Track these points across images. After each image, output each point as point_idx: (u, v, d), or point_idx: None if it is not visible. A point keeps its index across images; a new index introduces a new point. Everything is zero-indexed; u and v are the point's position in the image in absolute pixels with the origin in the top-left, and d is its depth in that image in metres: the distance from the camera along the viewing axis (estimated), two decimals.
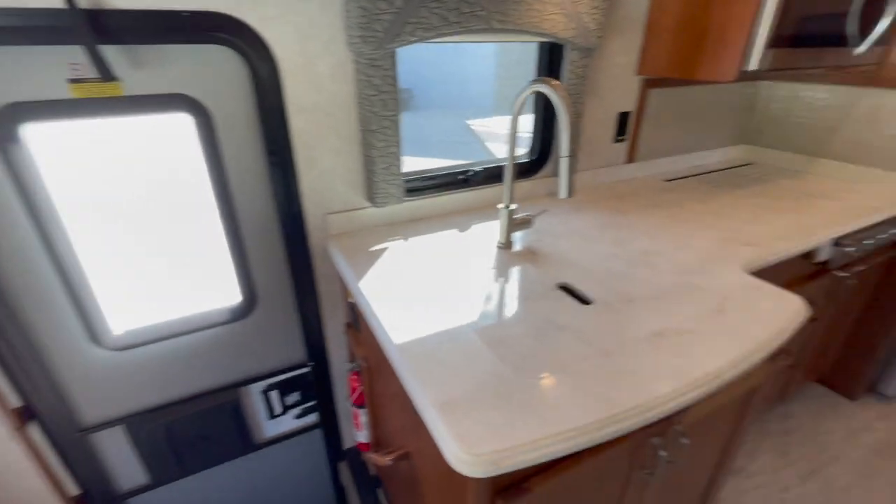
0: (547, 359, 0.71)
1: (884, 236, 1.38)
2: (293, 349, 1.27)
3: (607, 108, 1.48)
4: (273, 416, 1.33)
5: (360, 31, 0.92)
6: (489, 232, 1.17)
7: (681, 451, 0.83)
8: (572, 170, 0.86)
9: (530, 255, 1.05)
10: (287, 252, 1.12)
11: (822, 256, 1.22)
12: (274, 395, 1.30)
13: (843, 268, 1.32)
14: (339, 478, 1.54)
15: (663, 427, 0.75)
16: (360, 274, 0.96)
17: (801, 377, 1.64)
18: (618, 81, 1.45)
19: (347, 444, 1.49)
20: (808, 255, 1.22)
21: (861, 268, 1.38)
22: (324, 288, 1.20)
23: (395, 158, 1.08)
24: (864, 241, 1.30)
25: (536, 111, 1.41)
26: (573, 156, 0.85)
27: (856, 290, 1.49)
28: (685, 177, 1.67)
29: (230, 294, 1.12)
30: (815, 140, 1.70)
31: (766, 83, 1.82)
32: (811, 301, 1.34)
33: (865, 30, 1.32)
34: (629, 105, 1.52)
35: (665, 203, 1.39)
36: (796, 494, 1.41)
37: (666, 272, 0.97)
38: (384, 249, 1.07)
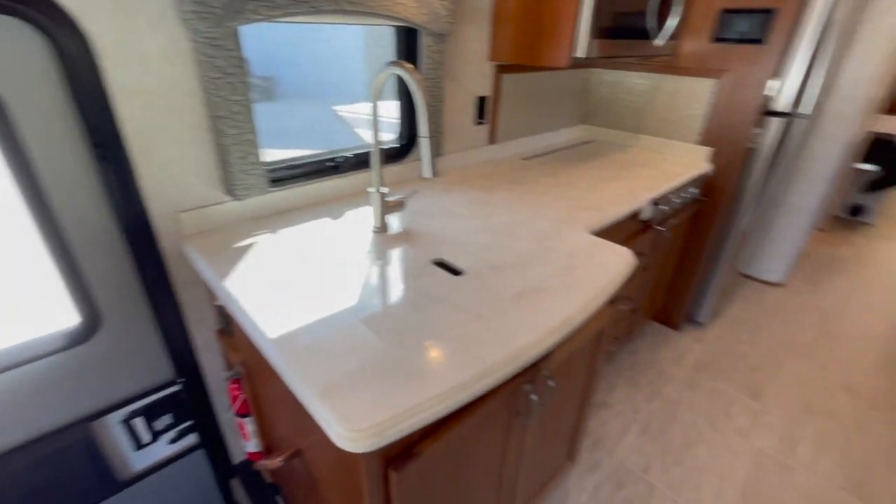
0: (424, 330, 0.75)
1: (686, 195, 1.71)
2: (157, 367, 1.14)
3: (467, 92, 1.56)
4: (141, 446, 1.18)
5: (194, 6, 0.83)
6: (364, 217, 1.17)
7: (549, 393, 0.95)
8: (435, 150, 0.91)
9: (405, 236, 1.08)
10: (134, 259, 0.99)
11: (646, 215, 1.48)
12: (139, 422, 1.15)
13: (660, 223, 1.61)
14: (232, 496, 1.43)
15: (532, 374, 0.85)
16: (225, 273, 0.89)
17: (640, 318, 1.97)
18: (473, 67, 1.54)
19: (238, 458, 1.39)
20: (635, 215, 1.46)
21: (674, 222, 1.70)
22: (185, 295, 1.08)
23: (252, 146, 1.01)
24: (673, 200, 1.61)
25: (401, 97, 1.43)
26: (434, 136, 0.89)
27: (672, 241, 1.83)
28: (540, 155, 1.86)
29: (66, 316, 0.95)
30: (636, 119, 2.02)
31: (596, 70, 2.10)
32: (641, 253, 1.61)
33: (661, 25, 1.60)
34: (486, 90, 1.63)
35: (523, 179, 1.53)
36: (645, 413, 1.71)
37: (526, 239, 1.08)
38: (251, 245, 1.00)
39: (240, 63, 0.93)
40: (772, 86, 1.65)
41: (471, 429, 0.78)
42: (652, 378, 1.88)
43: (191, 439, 1.27)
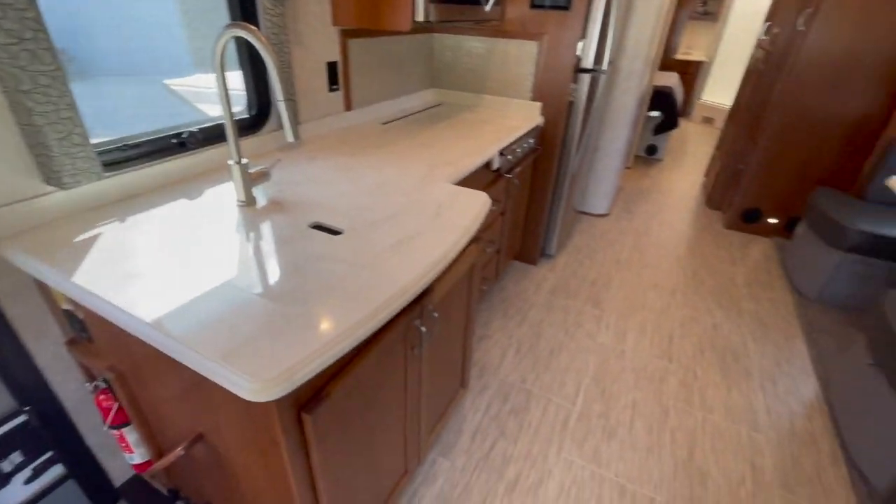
0: (315, 285, 0.79)
1: (526, 146, 1.97)
2: None
3: (316, 58, 1.54)
4: None
5: None
6: (226, 193, 1.12)
7: (435, 324, 1.07)
8: (294, 114, 0.91)
9: (277, 206, 1.07)
10: None
11: (496, 165, 1.68)
12: None
13: (509, 171, 1.84)
14: None
15: (418, 309, 0.96)
16: (73, 270, 0.79)
17: (504, 259, 2.25)
18: (318, 31, 1.52)
19: (121, 477, 1.26)
20: (488, 166, 1.65)
21: (519, 170, 1.96)
22: (15, 308, 0.93)
23: (74, 124, 0.88)
24: (516, 150, 1.84)
25: (243, 65, 1.35)
26: (291, 99, 0.90)
27: (520, 187, 2.10)
28: (397, 119, 1.94)
29: None
30: (478, 80, 2.21)
31: (437, 35, 2.21)
32: (497, 199, 1.83)
33: None
34: (335, 55, 1.62)
35: (385, 142, 1.60)
36: (517, 337, 1.99)
37: (395, 195, 1.17)
38: (98, 236, 0.90)
39: (38, 26, 0.80)
40: (580, 46, 1.97)
41: (373, 364, 0.86)
42: (519, 307, 2.19)
43: (55, 471, 1.11)
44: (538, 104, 2.10)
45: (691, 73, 5.93)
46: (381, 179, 1.27)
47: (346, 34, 1.63)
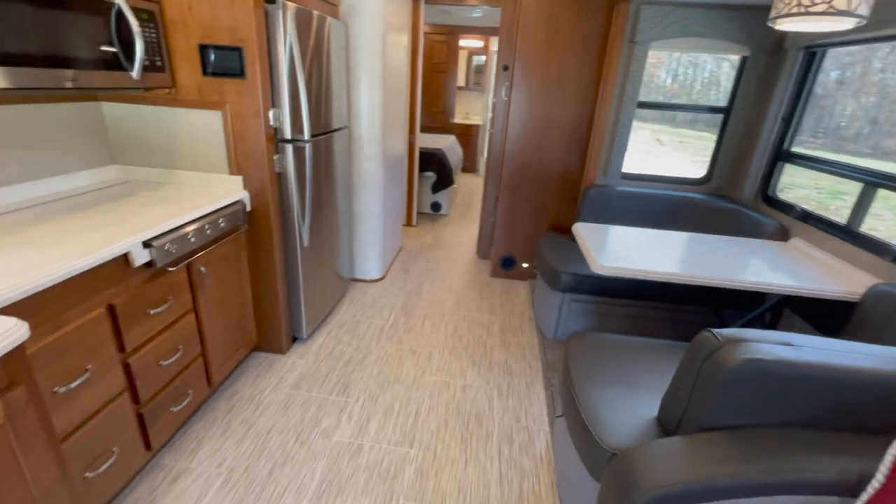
0: None
1: (221, 226, 1.67)
2: None
3: None
4: None
5: None
6: None
7: None
8: None
9: None
10: None
11: (143, 259, 1.33)
12: None
13: (184, 260, 1.51)
14: None
15: None
16: None
17: (227, 359, 1.86)
18: None
19: None
20: (128, 263, 1.30)
21: (215, 254, 1.65)
22: None
23: None
24: (190, 236, 1.52)
25: None
26: None
27: (219, 271, 1.78)
28: (21, 209, 1.47)
29: None
30: (167, 154, 1.88)
31: (108, 104, 1.83)
32: (164, 299, 1.47)
33: (130, 57, 1.49)
34: None
35: None
36: (231, 460, 1.59)
37: None
38: None
39: None
40: (272, 116, 1.81)
41: None
42: (248, 415, 1.81)
43: None
44: (238, 178, 1.86)
45: (472, 134, 6.64)
46: None
47: None
